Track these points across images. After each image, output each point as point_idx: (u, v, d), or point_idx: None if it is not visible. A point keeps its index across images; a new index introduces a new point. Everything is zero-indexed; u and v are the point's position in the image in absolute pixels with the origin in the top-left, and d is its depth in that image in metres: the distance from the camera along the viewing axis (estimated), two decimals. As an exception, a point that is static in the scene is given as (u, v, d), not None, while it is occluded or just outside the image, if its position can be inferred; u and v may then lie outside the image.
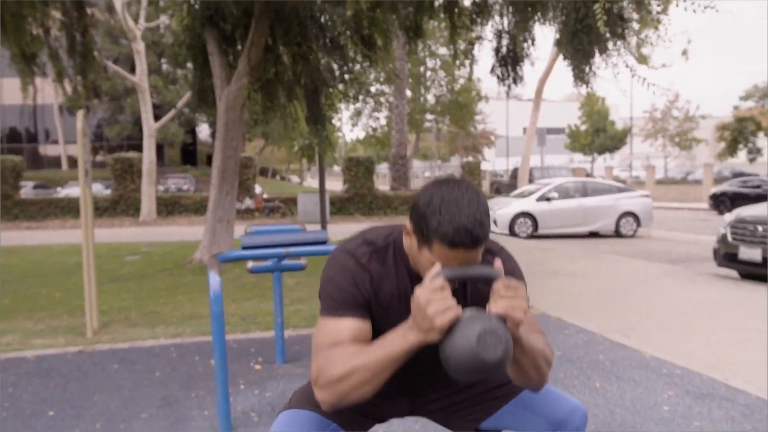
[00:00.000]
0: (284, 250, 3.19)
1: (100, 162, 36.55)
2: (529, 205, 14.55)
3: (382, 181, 39.96)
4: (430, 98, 33.44)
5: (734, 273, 8.07)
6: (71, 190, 25.03)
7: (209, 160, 45.78)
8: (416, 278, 1.54)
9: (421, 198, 1.43)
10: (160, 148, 29.43)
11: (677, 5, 7.60)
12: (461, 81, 31.92)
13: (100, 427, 3.18)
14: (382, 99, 28.79)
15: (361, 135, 35.63)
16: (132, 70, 20.50)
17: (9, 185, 19.74)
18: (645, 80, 7.70)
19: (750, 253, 7.38)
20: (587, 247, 12.32)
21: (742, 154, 36.64)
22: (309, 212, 18.65)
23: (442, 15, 10.07)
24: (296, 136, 30.10)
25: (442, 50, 29.84)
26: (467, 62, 10.76)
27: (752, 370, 4.04)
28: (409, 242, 1.51)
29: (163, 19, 21.06)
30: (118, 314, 5.94)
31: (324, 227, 12.64)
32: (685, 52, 11.28)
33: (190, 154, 44.41)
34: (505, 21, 9.69)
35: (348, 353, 1.42)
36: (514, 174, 27.48)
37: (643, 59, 8.43)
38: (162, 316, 5.86)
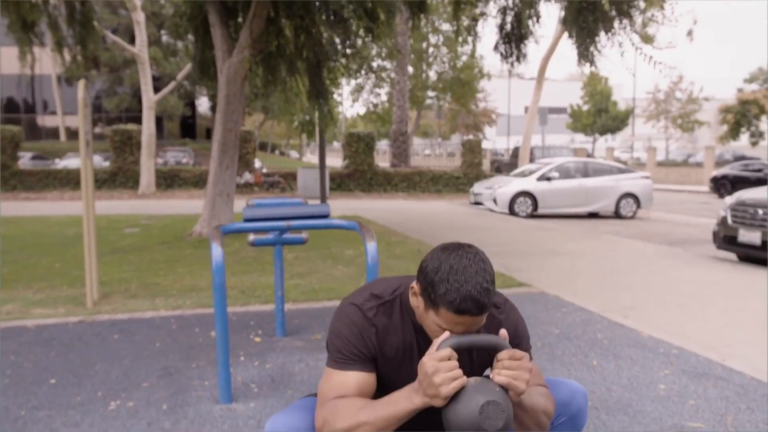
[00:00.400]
0: (286, 223, 3.19)
1: (98, 134, 36.36)
2: (530, 184, 14.55)
3: (382, 158, 39.83)
4: (432, 75, 33.16)
5: (733, 256, 8.10)
6: (69, 162, 24.95)
7: (208, 133, 45.64)
8: (421, 332, 1.59)
9: (430, 264, 1.47)
10: (159, 121, 29.27)
11: None
12: (464, 58, 31.65)
13: (102, 396, 3.21)
14: (383, 74, 28.62)
15: (362, 111, 35.39)
16: (131, 41, 20.31)
17: (7, 156, 19.66)
18: (651, 58, 7.65)
19: (749, 236, 7.41)
20: (587, 227, 12.34)
21: (744, 138, 36.55)
22: (308, 187, 18.65)
23: (446, -11, 9.96)
24: (296, 111, 29.99)
25: (445, 26, 29.54)
26: (470, 39, 10.68)
27: (748, 351, 4.08)
28: (416, 301, 1.55)
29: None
30: (118, 285, 5.96)
31: (324, 202, 12.63)
32: (690, 33, 11.20)
33: (190, 128, 44.21)
34: (510, -3, 9.60)
35: (353, 408, 1.48)
36: (515, 153, 27.44)
37: (648, 39, 8.36)
38: (162, 287, 5.89)
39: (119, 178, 20.65)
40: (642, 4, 7.85)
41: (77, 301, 5.30)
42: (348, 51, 9.71)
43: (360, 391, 1.54)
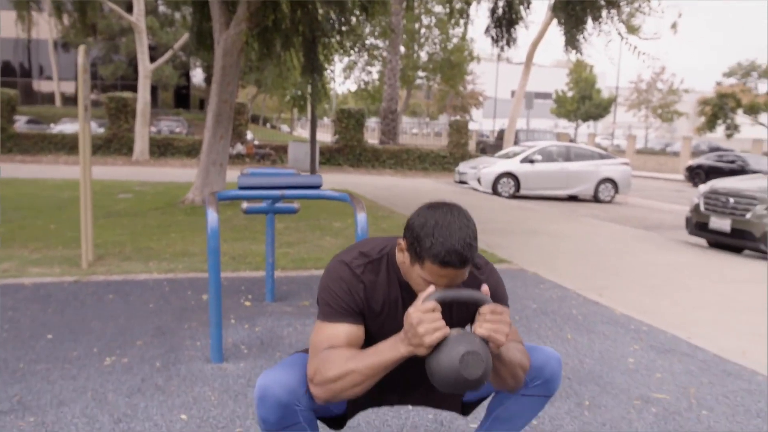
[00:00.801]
0: (280, 192, 3.32)
1: (93, 101, 36.08)
2: (513, 165, 14.78)
3: (371, 135, 39.93)
4: (423, 55, 33.27)
5: (703, 241, 8.38)
6: (64, 127, 24.84)
7: (202, 104, 45.32)
8: (407, 288, 1.71)
9: (416, 220, 1.58)
10: (153, 90, 29.16)
11: None
12: (455, 40, 31.77)
13: (97, 352, 3.36)
14: (376, 53, 28.60)
15: (353, 88, 35.41)
16: (129, 9, 20.13)
17: (4, 119, 19.58)
18: (636, 48, 7.79)
19: (720, 223, 7.67)
20: (566, 209, 12.56)
21: (720, 130, 37.03)
22: (299, 160, 18.74)
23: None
24: (288, 86, 29.92)
25: (438, 8, 29.52)
26: (462, 21, 10.75)
27: (713, 331, 4.28)
28: (402, 258, 1.66)
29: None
30: (112, 248, 6.09)
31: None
32: (674, 25, 11.31)
33: (184, 98, 43.96)
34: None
35: (343, 357, 1.58)
36: (500, 135, 27.75)
37: (633, 29, 8.48)
38: (155, 251, 6.03)
39: (114, 144, 20.64)
40: None
41: (72, 261, 5.43)
42: (343, 28, 9.76)
43: (349, 342, 1.64)
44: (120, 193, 10.95)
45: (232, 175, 10.41)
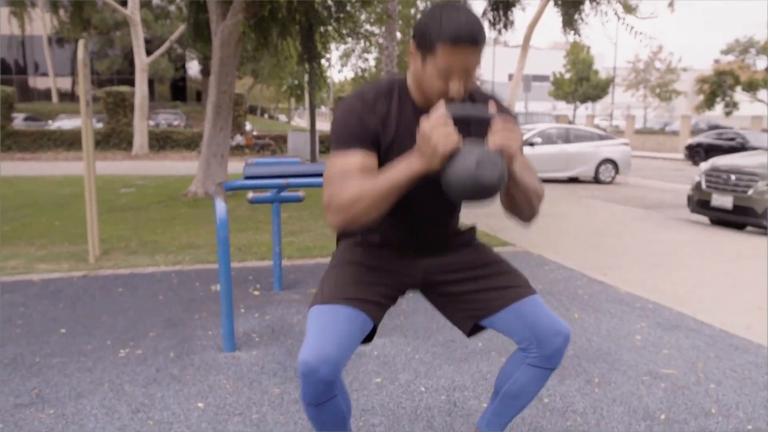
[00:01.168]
0: (284, 181, 3.35)
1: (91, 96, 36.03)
2: None
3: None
4: (420, 41, 33.10)
5: (705, 219, 8.42)
6: (62, 123, 24.83)
7: (199, 96, 45.17)
8: (420, 114, 1.70)
9: (424, 15, 1.59)
10: (150, 84, 29.10)
11: None
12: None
13: (111, 344, 3.40)
14: (372, 39, 28.46)
15: (350, 75, 35.27)
16: (123, 2, 20.07)
17: (2, 116, 19.60)
18: (632, 28, 7.77)
19: (721, 200, 7.70)
20: (567, 191, 12.58)
21: (719, 108, 36.99)
22: (298, 150, 18.77)
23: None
24: (285, 76, 29.83)
25: (434, -7, 29.36)
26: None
27: (717, 306, 4.32)
28: (413, 65, 1.66)
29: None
30: (117, 242, 6.13)
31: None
32: (671, 4, 11.27)
33: (180, 90, 43.86)
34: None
35: (356, 181, 1.58)
36: (499, 120, 27.65)
37: (630, 9, 8.46)
38: (160, 244, 6.06)
39: (113, 139, 20.66)
40: None
41: (79, 257, 5.47)
42: (339, 15, 9.73)
43: (362, 169, 1.62)
44: (122, 187, 10.97)
45: (233, 166, 10.49)
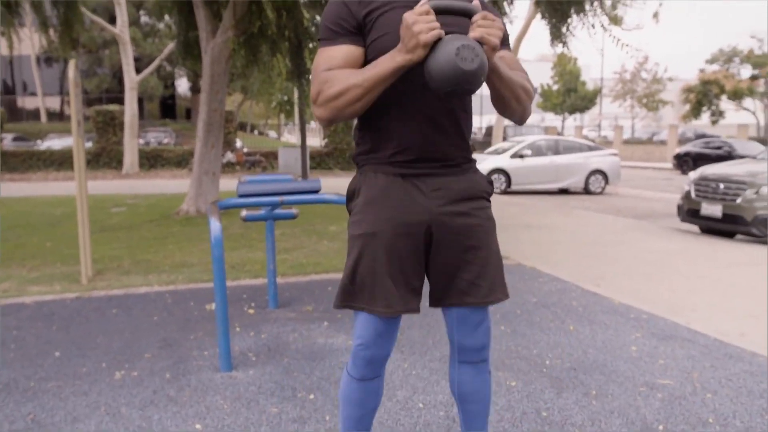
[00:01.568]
0: (279, 198, 3.36)
1: (78, 114, 35.97)
2: (503, 161, 14.87)
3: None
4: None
5: (696, 228, 8.49)
6: (52, 143, 24.75)
7: (188, 113, 45.12)
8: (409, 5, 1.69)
9: None
10: (140, 102, 29.06)
11: None
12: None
13: (106, 366, 3.37)
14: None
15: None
16: (110, 20, 20.11)
17: (-10, 137, 19.55)
18: (619, 41, 7.88)
19: (711, 209, 7.78)
20: (558, 202, 12.66)
21: (705, 116, 37.43)
22: (289, 166, 18.79)
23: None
24: (275, 92, 29.92)
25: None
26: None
27: (710, 315, 4.34)
28: None
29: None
30: (110, 263, 6.10)
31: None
32: (656, 15, 11.41)
33: (170, 108, 43.87)
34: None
35: (343, 75, 1.61)
36: (489, 131, 27.90)
37: (616, 20, 8.57)
38: (154, 264, 6.03)
39: (103, 158, 20.61)
40: None
41: (72, 278, 5.44)
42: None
43: (347, 63, 1.65)
44: (113, 207, 10.93)
45: (224, 184, 10.49)
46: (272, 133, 62.58)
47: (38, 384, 3.13)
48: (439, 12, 1.56)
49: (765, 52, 36.71)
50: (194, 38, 9.79)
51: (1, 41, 10.05)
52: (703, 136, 31.08)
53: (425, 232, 1.79)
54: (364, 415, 1.93)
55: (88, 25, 29.45)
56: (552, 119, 51.91)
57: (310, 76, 1.66)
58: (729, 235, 7.92)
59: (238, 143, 24.22)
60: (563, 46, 8.85)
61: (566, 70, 43.95)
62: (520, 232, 8.13)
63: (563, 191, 15.41)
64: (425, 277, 1.85)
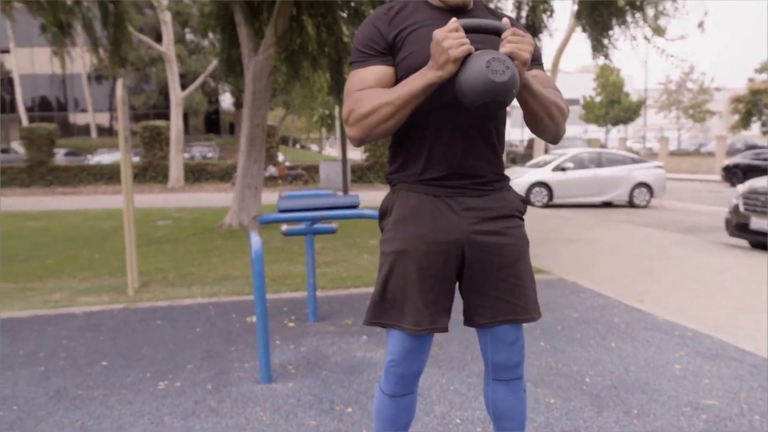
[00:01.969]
0: (318, 213, 3.41)
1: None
2: (545, 174, 14.73)
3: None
4: (449, 68, 33.30)
5: (745, 243, 8.24)
6: (101, 158, 25.56)
7: (232, 128, 45.96)
8: (438, 11, 1.74)
9: None
10: (185, 117, 29.78)
11: None
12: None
13: (150, 376, 3.46)
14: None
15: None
16: (157, 39, 20.72)
17: (44, 152, 20.29)
18: (663, 51, 7.76)
19: (761, 223, 7.55)
20: (601, 216, 12.46)
21: (755, 127, 36.31)
22: (330, 180, 18.93)
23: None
24: (316, 106, 30.30)
25: (463, 20, 29.62)
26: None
27: (760, 333, 4.22)
28: None
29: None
30: (156, 275, 6.26)
31: (346, 194, 12.87)
32: (701, 24, 11.18)
33: (214, 123, 44.83)
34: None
35: (374, 94, 1.63)
36: (530, 144, 27.66)
37: (659, 31, 8.43)
38: (197, 276, 6.17)
39: (149, 172, 21.16)
40: None
41: (119, 289, 5.60)
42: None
43: (379, 83, 1.67)
44: (159, 220, 11.21)
45: (266, 197, 10.67)
46: (314, 147, 63.26)
47: (86, 392, 3.23)
48: (469, 30, 1.57)
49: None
50: (237, 55, 10.01)
51: (55, 60, 10.42)
52: (753, 147, 30.16)
53: (457, 252, 1.79)
54: (398, 431, 1.94)
55: (135, 44, 30.41)
56: (595, 131, 51.22)
57: (343, 96, 1.70)
58: (780, 250, 7.68)
59: (280, 157, 24.58)
60: (605, 59, 8.76)
61: (609, 82, 43.40)
62: (562, 246, 8.03)
63: (607, 204, 15.17)
64: (455, 295, 1.86)
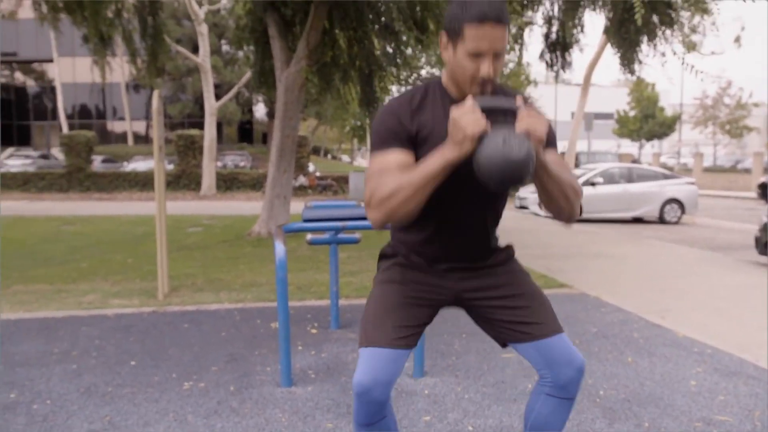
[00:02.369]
0: (342, 224, 3.52)
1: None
2: None
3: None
4: (480, 82, 33.33)
5: (775, 262, 8.12)
6: (137, 165, 26.16)
7: (264, 138, 46.56)
8: (452, 103, 1.81)
9: (451, 5, 1.74)
10: (218, 126, 30.35)
11: None
12: (511, 65, 31.73)
13: (176, 377, 3.60)
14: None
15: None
16: (194, 50, 21.22)
17: (82, 159, 20.89)
18: (693, 68, 7.72)
19: None
20: (630, 231, 12.35)
21: None
22: (360, 190, 19.11)
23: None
24: (348, 117, 30.60)
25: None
26: (517, 47, 10.87)
27: (783, 353, 4.19)
28: (446, 56, 1.78)
29: (224, 2, 21.65)
30: (185, 280, 6.44)
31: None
32: (737, 39, 11.06)
33: (247, 132, 45.53)
34: (555, 7, 9.75)
35: (395, 176, 1.69)
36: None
37: (692, 46, 8.39)
38: (225, 282, 6.33)
39: (183, 180, 21.59)
40: (684, 14, 7.91)
41: (149, 293, 5.79)
42: (398, 60, 10.06)
43: (399, 166, 1.71)
44: (190, 227, 11.47)
45: (296, 207, 10.85)
46: (345, 158, 63.73)
47: (115, 390, 3.38)
48: (485, 111, 1.65)
49: None
50: (270, 67, 10.24)
51: (95, 70, 10.81)
52: (791, 164, 29.57)
53: (447, 304, 2.00)
54: None
55: (173, 55, 31.11)
56: (628, 146, 50.65)
57: (364, 181, 1.79)
58: (810, 270, 7.55)
59: (311, 167, 24.87)
60: (632, 75, 8.76)
61: (644, 96, 42.92)
62: (588, 261, 8.02)
63: (637, 220, 15.03)
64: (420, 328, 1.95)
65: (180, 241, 9.38)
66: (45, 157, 29.95)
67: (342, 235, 4.31)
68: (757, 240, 8.13)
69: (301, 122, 45.09)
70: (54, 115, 43.23)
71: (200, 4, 20.56)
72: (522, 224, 13.02)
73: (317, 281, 6.38)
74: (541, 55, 10.47)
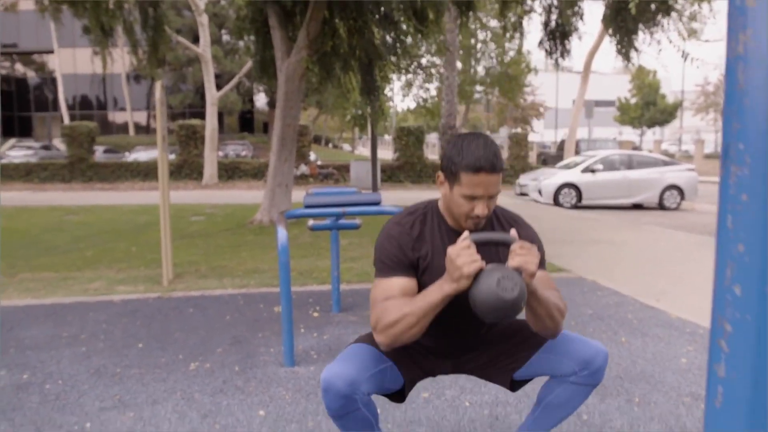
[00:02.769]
0: (342, 210, 3.62)
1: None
2: (574, 176, 14.75)
3: (432, 150, 40.46)
4: (480, 70, 33.21)
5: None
6: (138, 155, 26.23)
7: (265, 127, 46.60)
8: (450, 234, 1.95)
9: (448, 148, 1.87)
10: (219, 116, 30.38)
11: None
12: (511, 53, 31.69)
13: (182, 358, 3.72)
14: (432, 70, 28.84)
15: (412, 105, 35.77)
16: (194, 40, 21.24)
17: (84, 149, 20.97)
18: (688, 56, 7.78)
19: None
20: (629, 218, 12.46)
21: None
22: (361, 179, 19.19)
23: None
24: (349, 106, 30.62)
25: (493, 22, 29.53)
26: (517, 35, 10.93)
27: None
28: (443, 191, 1.92)
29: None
30: (189, 267, 6.55)
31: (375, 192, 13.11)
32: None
33: (248, 122, 45.56)
34: (554, -5, 9.81)
35: (398, 304, 1.82)
36: (561, 146, 27.58)
37: (692, 32, 8.45)
38: (228, 269, 6.45)
39: (184, 170, 21.67)
40: (682, 2, 7.97)
41: (154, 280, 5.90)
42: (398, 50, 10.12)
43: (403, 293, 1.85)
44: (192, 215, 11.57)
45: (297, 195, 10.95)
46: (346, 146, 63.77)
47: (123, 370, 3.50)
48: (480, 245, 1.78)
49: None
50: (270, 57, 10.31)
51: (96, 60, 10.91)
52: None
53: (443, 374, 2.24)
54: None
55: (173, 45, 31.09)
56: (630, 133, 50.70)
57: (370, 305, 1.90)
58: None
59: (312, 156, 24.95)
60: (629, 62, 8.83)
61: (645, 83, 42.91)
62: (586, 247, 8.13)
63: (637, 207, 15.13)
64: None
65: (183, 230, 9.49)
66: (47, 147, 30.02)
67: (342, 221, 4.41)
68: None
69: (302, 111, 45.09)
70: (55, 106, 43.29)
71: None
72: (522, 211, 13.01)
73: (318, 267, 6.49)
74: (541, 43, 10.53)
